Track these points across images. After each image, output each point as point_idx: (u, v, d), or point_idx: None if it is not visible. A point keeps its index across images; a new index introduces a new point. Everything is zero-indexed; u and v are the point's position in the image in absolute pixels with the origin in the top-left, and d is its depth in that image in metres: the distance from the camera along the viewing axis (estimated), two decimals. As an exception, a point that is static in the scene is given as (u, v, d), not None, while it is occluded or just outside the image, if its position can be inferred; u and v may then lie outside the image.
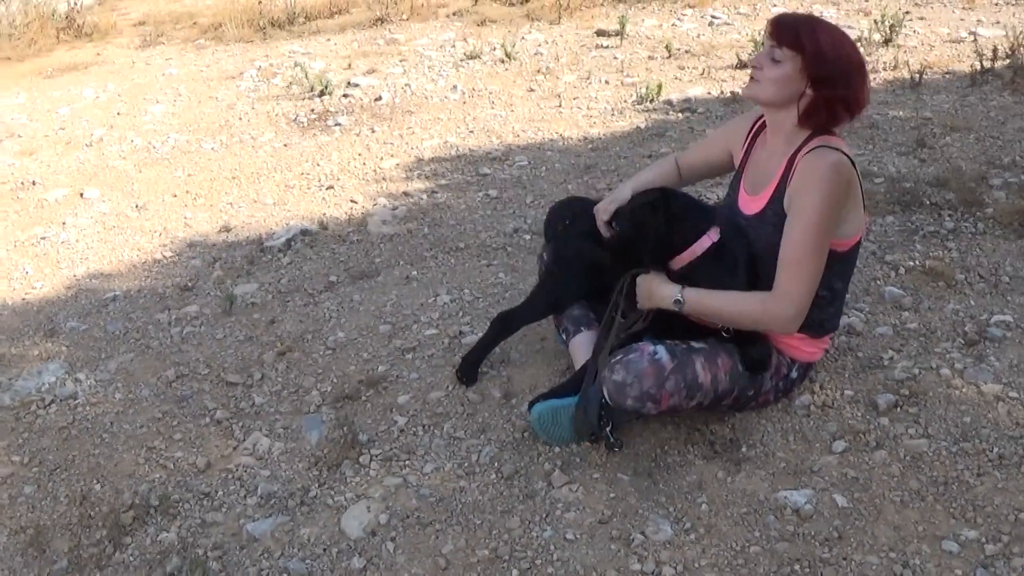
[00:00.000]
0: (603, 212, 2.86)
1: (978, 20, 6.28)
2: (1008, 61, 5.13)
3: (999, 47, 5.23)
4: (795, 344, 2.76)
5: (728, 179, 3.00)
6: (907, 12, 6.46)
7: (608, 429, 2.72)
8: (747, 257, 2.66)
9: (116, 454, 3.00)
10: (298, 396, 3.17)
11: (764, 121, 2.74)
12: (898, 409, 2.80)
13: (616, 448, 2.73)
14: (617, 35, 6.78)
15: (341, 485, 2.76)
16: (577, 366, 2.98)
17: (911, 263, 3.49)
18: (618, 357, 2.60)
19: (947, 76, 5.25)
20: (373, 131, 5.44)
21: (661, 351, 2.60)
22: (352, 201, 4.61)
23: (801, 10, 7.07)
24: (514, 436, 2.88)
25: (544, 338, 3.31)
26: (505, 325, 3.11)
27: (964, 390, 2.84)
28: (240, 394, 3.21)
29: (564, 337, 3.07)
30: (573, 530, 2.52)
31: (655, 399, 2.56)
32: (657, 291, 2.62)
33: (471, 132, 5.34)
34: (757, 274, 2.64)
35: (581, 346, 2.99)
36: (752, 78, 2.59)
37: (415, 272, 3.90)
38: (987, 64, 5.02)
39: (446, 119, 5.56)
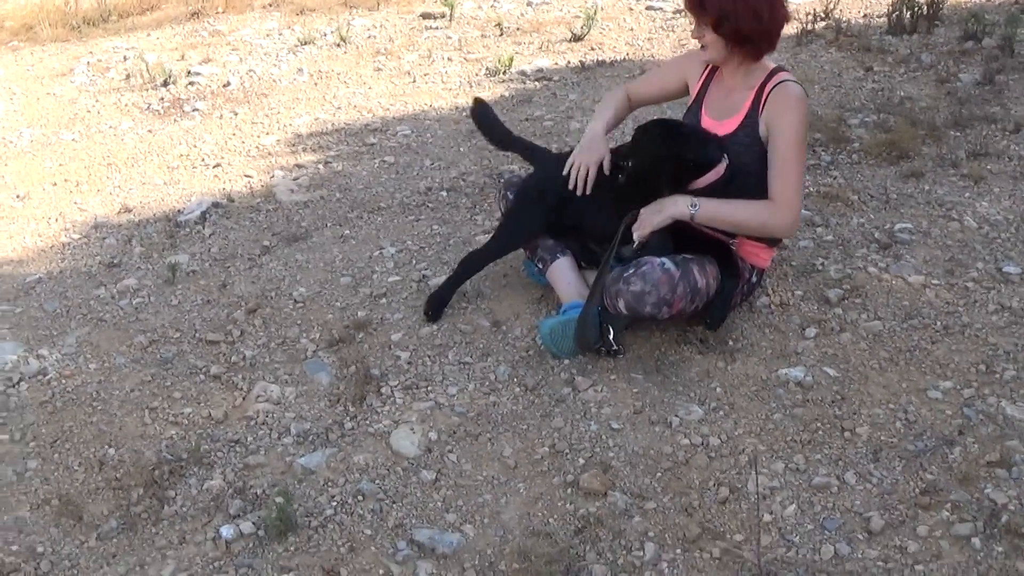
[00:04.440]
0: (584, 161, 3.09)
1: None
2: (825, 23, 5.79)
3: (816, 10, 5.91)
4: (756, 252, 3.11)
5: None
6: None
7: (611, 336, 2.95)
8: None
9: (116, 419, 2.92)
10: (288, 346, 3.20)
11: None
12: (846, 301, 3.22)
13: (620, 353, 2.97)
14: (443, 17, 6.99)
15: (373, 415, 2.85)
16: (559, 290, 3.21)
17: (808, 190, 3.94)
18: (631, 271, 2.85)
19: (770, 39, 5.84)
20: (236, 113, 5.38)
21: (667, 262, 2.87)
22: (247, 176, 4.58)
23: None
24: (520, 355, 3.06)
25: (506, 274, 3.50)
26: (472, 263, 3.27)
27: (894, 282, 3.29)
28: (226, 350, 3.20)
29: (540, 267, 3.27)
30: (615, 421, 2.74)
31: (669, 304, 2.83)
32: (669, 204, 2.88)
33: (339, 108, 5.40)
34: None
35: (561, 270, 3.22)
36: (702, 47, 3.01)
37: (348, 231, 3.96)
38: (809, 27, 5.65)
39: (305, 99, 5.58)
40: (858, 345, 3.01)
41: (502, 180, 3.40)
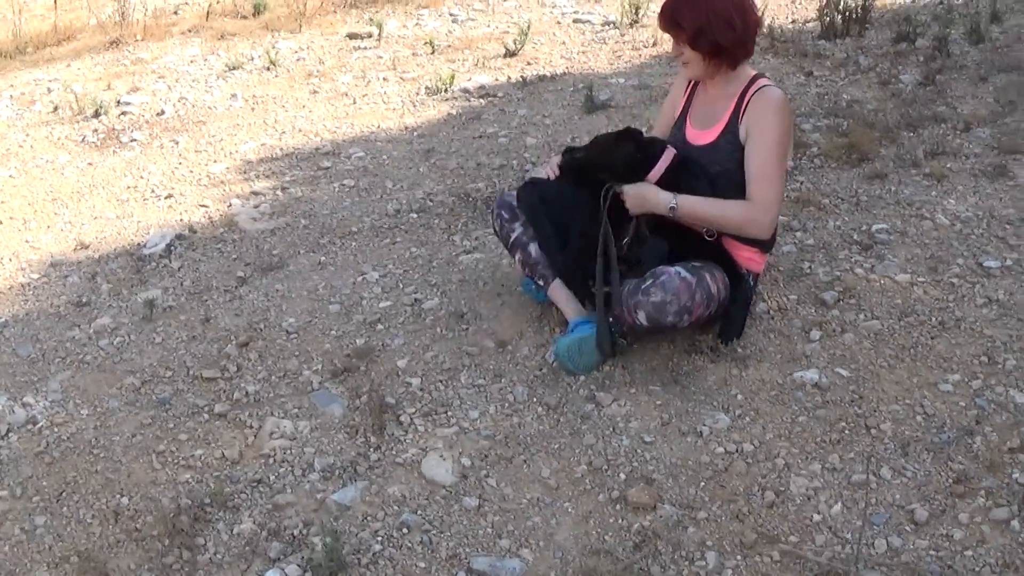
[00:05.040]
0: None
1: None
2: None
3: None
4: (750, 256, 3.15)
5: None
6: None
7: (619, 335, 2.98)
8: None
9: (122, 466, 2.78)
10: (291, 378, 3.10)
11: None
12: (841, 302, 3.28)
13: (630, 345, 3.01)
14: (370, 37, 6.93)
15: (397, 444, 2.78)
16: (563, 307, 3.20)
17: (778, 195, 4.01)
18: (648, 281, 2.85)
19: (704, 49, 5.94)
20: (176, 142, 5.21)
21: (681, 270, 2.89)
22: (203, 205, 4.44)
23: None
24: (534, 374, 3.04)
25: (500, 294, 3.46)
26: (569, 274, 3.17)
27: (883, 282, 3.37)
28: (226, 387, 3.08)
29: (541, 284, 3.24)
30: (646, 435, 2.74)
31: (690, 311, 2.85)
32: (652, 198, 2.93)
33: (284, 133, 5.28)
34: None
35: (563, 288, 3.20)
36: (683, 64, 3.05)
37: (323, 258, 3.88)
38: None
39: (246, 125, 5.45)
40: (862, 345, 3.07)
41: (495, 200, 3.36)
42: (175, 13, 7.71)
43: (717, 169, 3.00)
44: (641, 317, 2.85)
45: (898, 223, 3.71)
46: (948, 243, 3.55)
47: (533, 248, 3.24)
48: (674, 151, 3.00)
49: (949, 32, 5.28)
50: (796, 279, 3.42)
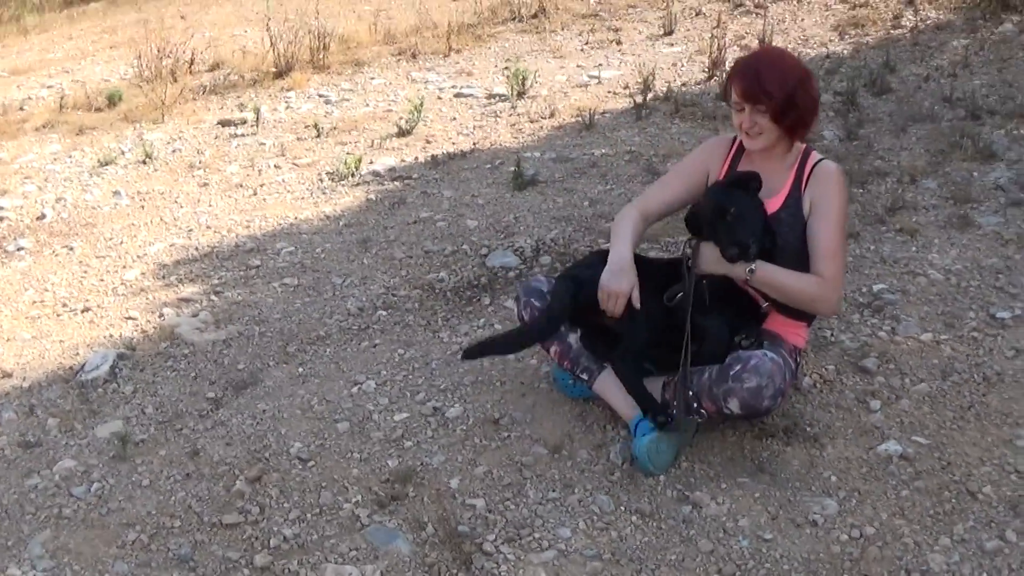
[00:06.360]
0: (614, 291, 2.79)
1: (597, 65, 7.02)
2: (651, 94, 5.87)
3: (631, 83, 6.05)
4: (799, 332, 2.99)
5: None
6: (507, 63, 7.07)
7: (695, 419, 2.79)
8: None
9: (163, 647, 2.29)
10: (330, 515, 2.70)
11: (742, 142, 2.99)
12: (882, 368, 3.18)
13: (700, 420, 2.80)
14: (245, 123, 6.50)
15: (492, 578, 2.42)
16: (615, 403, 2.96)
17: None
18: (737, 367, 2.64)
19: (606, 115, 5.86)
20: (71, 248, 4.63)
21: (767, 351, 2.71)
22: (129, 318, 3.91)
23: (414, 72, 7.38)
24: (607, 480, 2.78)
25: (524, 394, 3.18)
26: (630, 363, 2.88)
27: (910, 344, 3.30)
28: (256, 533, 2.63)
29: (585, 377, 2.98)
30: (761, 531, 2.54)
31: (783, 393, 2.69)
32: (728, 261, 2.72)
33: (191, 231, 4.80)
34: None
35: (611, 382, 2.94)
36: (748, 135, 2.87)
37: (300, 369, 3.46)
38: (639, 100, 5.73)
39: (142, 224, 4.92)
40: (922, 410, 2.98)
41: (520, 286, 3.08)
42: (21, 108, 7.01)
43: (778, 242, 2.84)
44: (733, 405, 2.64)
45: (894, 282, 3.67)
46: (952, 298, 3.54)
47: (573, 339, 2.97)
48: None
49: (856, 87, 5.42)
50: (824, 348, 3.31)
